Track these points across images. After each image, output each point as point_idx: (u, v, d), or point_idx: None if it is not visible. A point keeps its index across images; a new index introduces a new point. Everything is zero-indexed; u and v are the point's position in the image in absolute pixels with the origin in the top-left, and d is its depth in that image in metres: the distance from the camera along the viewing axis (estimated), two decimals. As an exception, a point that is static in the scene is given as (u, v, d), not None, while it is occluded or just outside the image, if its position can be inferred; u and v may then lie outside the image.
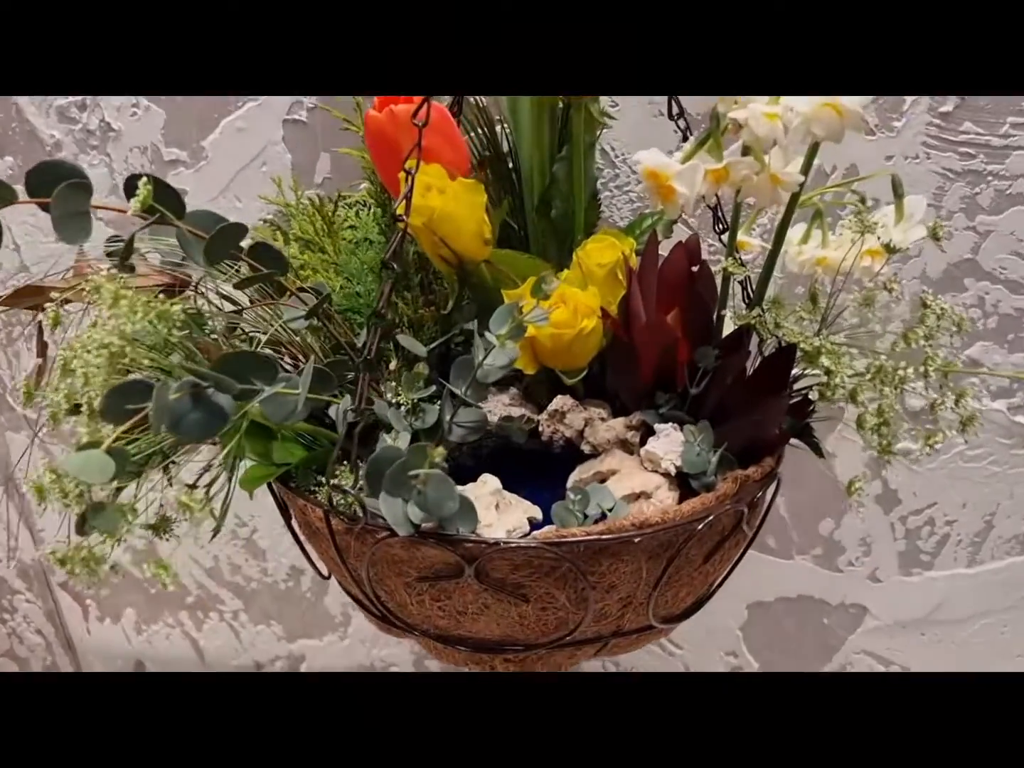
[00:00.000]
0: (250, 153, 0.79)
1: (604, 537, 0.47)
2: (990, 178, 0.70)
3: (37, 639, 1.08)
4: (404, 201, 0.48)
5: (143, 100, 0.77)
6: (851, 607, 0.88)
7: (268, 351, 0.59)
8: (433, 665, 0.99)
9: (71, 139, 0.80)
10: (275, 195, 0.72)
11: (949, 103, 0.69)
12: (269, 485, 0.55)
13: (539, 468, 0.62)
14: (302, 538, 0.57)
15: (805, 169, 0.51)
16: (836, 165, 0.71)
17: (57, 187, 0.41)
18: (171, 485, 0.50)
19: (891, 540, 0.84)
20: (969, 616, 0.86)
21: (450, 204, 0.50)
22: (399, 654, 0.99)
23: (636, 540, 0.48)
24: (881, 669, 0.90)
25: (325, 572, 0.58)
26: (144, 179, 0.42)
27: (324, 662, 1.00)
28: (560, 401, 0.59)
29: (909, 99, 0.69)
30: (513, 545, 0.47)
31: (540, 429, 0.59)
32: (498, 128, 0.67)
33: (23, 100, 0.80)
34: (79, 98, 0.79)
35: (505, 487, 0.61)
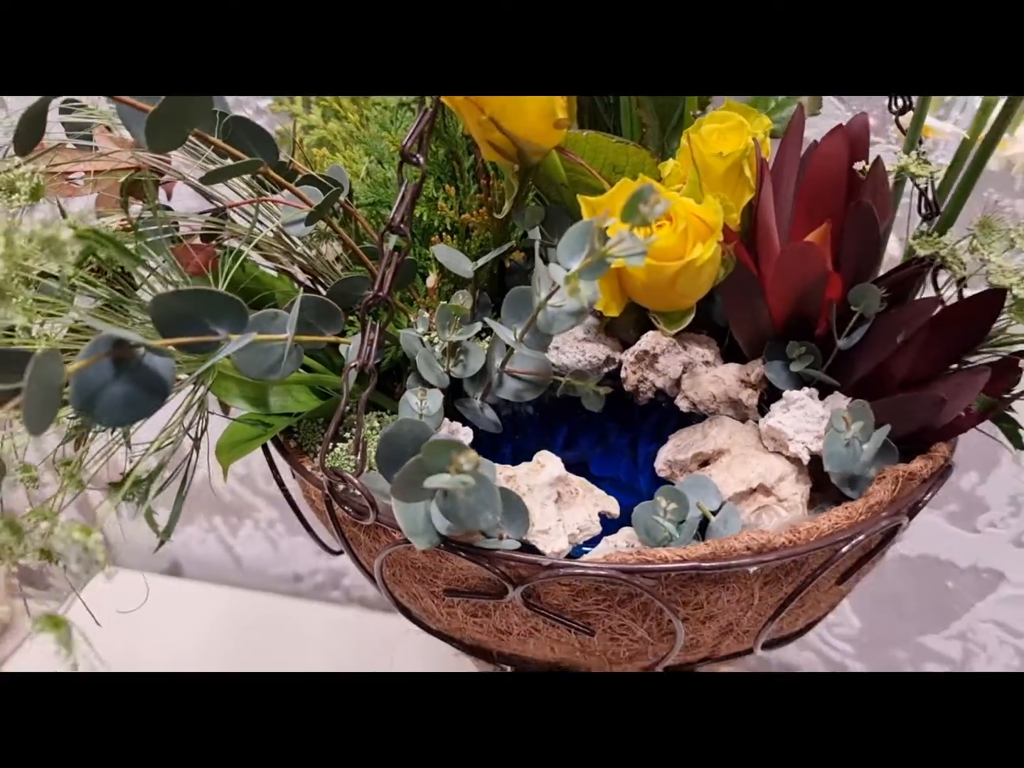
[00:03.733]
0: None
1: (704, 566, 0.33)
2: None
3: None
4: (438, 60, 0.32)
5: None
6: (984, 572, 0.73)
7: (283, 269, 0.45)
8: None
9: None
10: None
11: None
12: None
13: (620, 416, 0.48)
14: (300, 506, 0.45)
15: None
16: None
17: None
18: (127, 447, 0.38)
19: (1049, 501, 0.68)
20: None
21: (506, 66, 0.33)
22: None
23: (752, 570, 0.34)
24: (1010, 640, 0.76)
25: (336, 548, 0.46)
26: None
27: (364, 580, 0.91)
28: (652, 340, 0.44)
29: None
30: (575, 570, 0.33)
31: (623, 375, 0.45)
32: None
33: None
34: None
35: (573, 444, 0.48)
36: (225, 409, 0.45)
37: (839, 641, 0.80)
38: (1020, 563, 0.72)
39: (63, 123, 0.43)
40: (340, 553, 0.46)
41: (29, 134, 0.31)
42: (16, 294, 0.27)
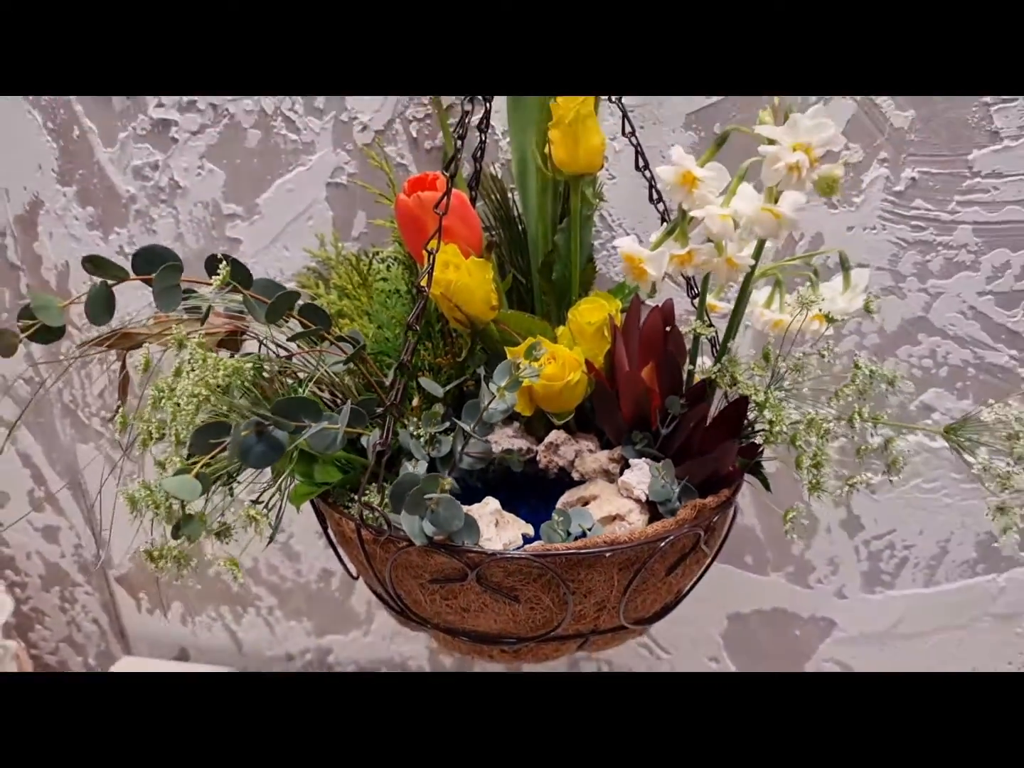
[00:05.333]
0: (297, 209, 0.91)
1: (581, 552, 0.58)
2: (939, 247, 0.81)
3: (92, 627, 1.21)
4: (426, 275, 0.60)
5: (207, 163, 0.90)
6: (820, 620, 0.98)
7: (313, 390, 0.71)
8: (447, 663, 1.11)
9: (144, 194, 0.93)
10: (318, 248, 0.84)
11: (902, 183, 0.79)
12: (311, 500, 0.66)
13: (537, 490, 0.73)
14: (336, 544, 0.68)
15: (756, 255, 0.62)
16: (803, 233, 0.82)
17: (157, 267, 0.53)
18: (232, 497, 0.62)
19: (855, 561, 0.94)
20: (926, 631, 0.96)
21: (464, 278, 0.61)
22: (416, 650, 1.10)
23: (608, 555, 0.58)
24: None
25: (355, 573, 0.69)
26: (224, 262, 0.53)
27: (348, 655, 1.12)
28: (555, 435, 0.70)
29: (867, 178, 0.80)
30: (507, 556, 0.58)
31: (538, 459, 0.70)
32: (510, 195, 0.78)
33: (104, 158, 0.93)
34: (152, 158, 0.91)
35: (507, 505, 0.73)
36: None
37: (722, 685, 1.03)
38: (843, 611, 0.97)
39: (185, 308, 0.69)
40: (357, 578, 0.70)
41: (205, 317, 0.57)
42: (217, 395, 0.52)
